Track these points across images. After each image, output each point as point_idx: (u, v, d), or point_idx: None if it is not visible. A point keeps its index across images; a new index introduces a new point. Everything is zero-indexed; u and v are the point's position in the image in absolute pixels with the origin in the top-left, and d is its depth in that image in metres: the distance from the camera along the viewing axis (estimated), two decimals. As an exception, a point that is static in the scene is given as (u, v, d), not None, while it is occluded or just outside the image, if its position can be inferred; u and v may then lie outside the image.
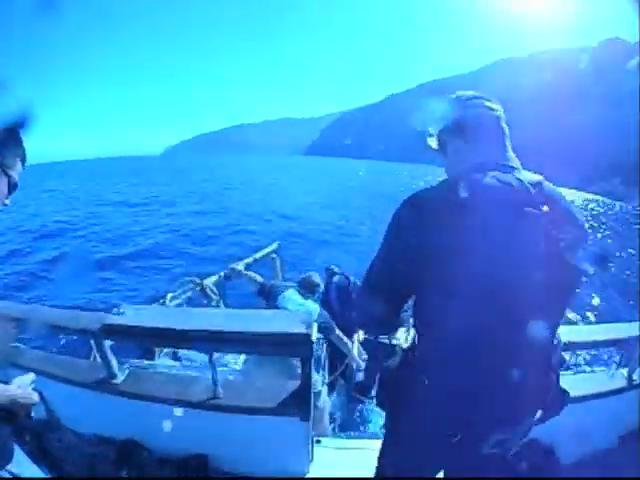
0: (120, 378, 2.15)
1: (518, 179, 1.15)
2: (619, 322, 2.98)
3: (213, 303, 4.41)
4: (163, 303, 4.03)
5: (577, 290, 1.31)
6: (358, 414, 4.08)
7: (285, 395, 2.07)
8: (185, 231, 19.72)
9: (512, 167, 1.21)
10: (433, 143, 1.43)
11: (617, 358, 2.97)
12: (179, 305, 4.19)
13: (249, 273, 3.86)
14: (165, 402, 2.09)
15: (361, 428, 4.11)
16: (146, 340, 2.05)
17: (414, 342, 1.35)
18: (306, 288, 3.42)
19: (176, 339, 1.94)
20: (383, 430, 1.53)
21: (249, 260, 5.40)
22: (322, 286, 3.85)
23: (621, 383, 2.80)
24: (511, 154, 1.27)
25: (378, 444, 1.62)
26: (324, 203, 34.79)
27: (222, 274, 4.79)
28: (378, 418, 3.94)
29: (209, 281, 4.51)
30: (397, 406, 1.36)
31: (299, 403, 2.03)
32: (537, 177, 1.19)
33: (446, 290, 1.11)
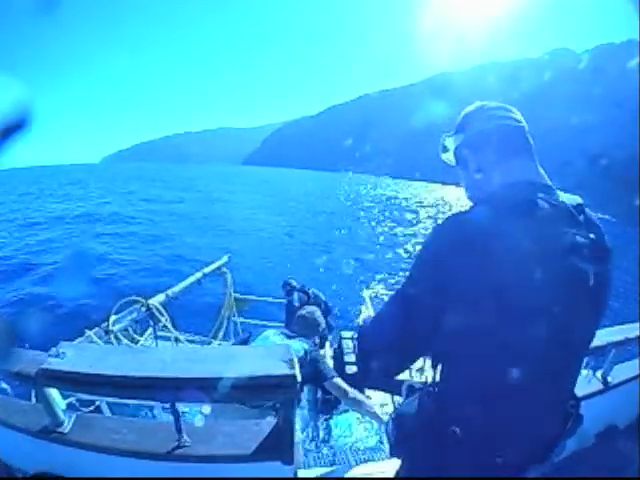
0: (67, 426, 1.87)
1: (562, 202, 1.06)
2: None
3: (161, 324, 4.02)
4: (106, 327, 3.63)
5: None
6: (325, 427, 3.74)
7: (262, 438, 1.83)
8: (129, 244, 19.25)
9: (549, 186, 1.11)
10: (449, 158, 1.33)
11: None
12: (124, 329, 3.80)
13: None
14: (123, 454, 1.81)
15: (332, 443, 3.78)
16: (93, 390, 1.73)
17: (435, 382, 1.17)
18: (301, 328, 3.05)
19: (129, 388, 1.66)
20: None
21: (199, 275, 5.12)
22: (323, 325, 3.39)
23: (598, 386, 2.93)
24: (542, 171, 1.16)
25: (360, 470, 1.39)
26: (267, 213, 35.30)
27: (169, 292, 4.44)
28: (347, 428, 3.83)
29: (155, 300, 4.14)
30: (423, 460, 1.18)
31: (280, 445, 1.80)
32: (577, 199, 1.10)
33: (490, 327, 0.98)
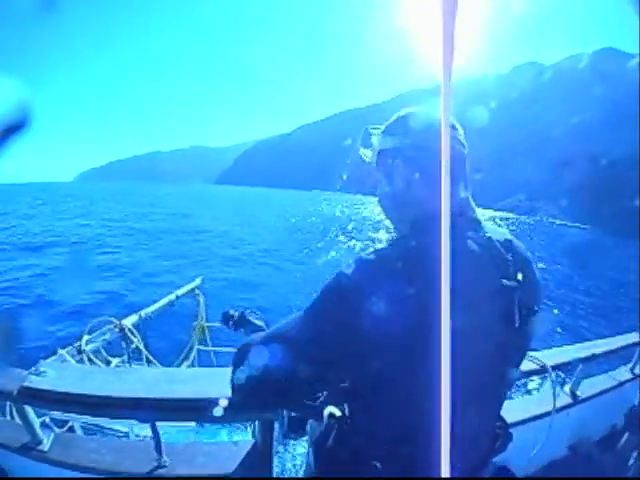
0: (46, 444, 1.87)
1: (489, 238, 0.97)
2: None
3: (133, 346, 4.02)
4: (79, 347, 3.62)
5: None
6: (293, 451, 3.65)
7: (240, 458, 1.86)
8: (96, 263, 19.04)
9: (478, 221, 1.03)
10: (367, 154, 1.20)
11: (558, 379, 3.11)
12: (96, 350, 3.79)
13: None
14: (102, 474, 1.82)
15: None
16: (73, 409, 1.75)
17: (346, 414, 1.13)
18: None
19: (111, 408, 1.68)
20: None
21: (171, 297, 5.09)
22: None
23: (566, 400, 3.05)
24: (471, 201, 1.06)
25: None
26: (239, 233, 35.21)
27: (142, 313, 4.43)
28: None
29: (128, 321, 4.13)
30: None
31: (258, 465, 1.84)
32: (505, 234, 1.04)
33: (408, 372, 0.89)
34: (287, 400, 1.16)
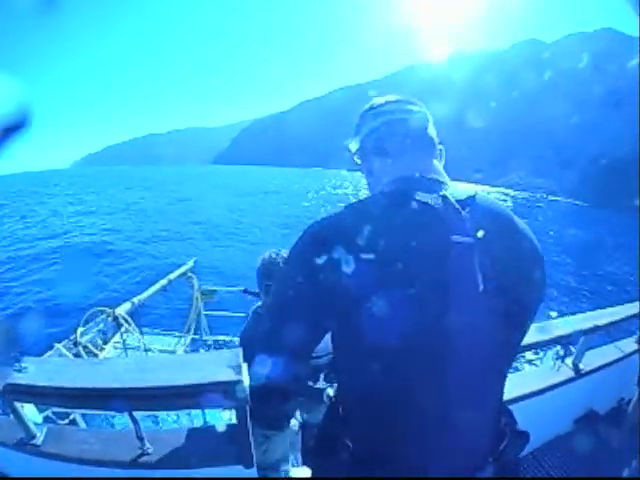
0: (40, 438, 1.95)
1: (444, 197, 0.96)
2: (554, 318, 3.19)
3: (129, 333, 4.08)
4: (74, 339, 3.68)
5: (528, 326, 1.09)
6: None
7: (222, 442, 1.93)
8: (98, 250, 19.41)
9: (438, 181, 1.04)
10: (356, 160, 1.25)
11: (560, 352, 3.11)
12: (92, 339, 3.85)
13: None
14: (90, 463, 1.90)
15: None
16: (54, 402, 1.80)
17: (337, 393, 1.21)
18: None
19: (85, 399, 1.74)
20: None
21: (164, 281, 5.15)
22: None
23: (568, 374, 2.98)
24: (436, 166, 1.10)
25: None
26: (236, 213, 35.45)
27: (134, 300, 4.48)
28: None
29: (121, 309, 4.19)
30: (322, 470, 1.20)
31: (239, 449, 1.88)
32: (469, 191, 1.01)
33: (360, 339, 0.92)
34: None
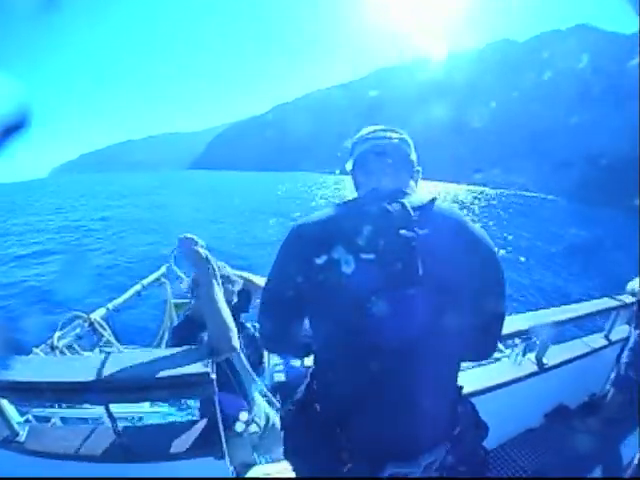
0: (23, 436, 2.07)
1: (402, 204, 1.19)
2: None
3: (104, 339, 4.15)
4: (51, 344, 3.76)
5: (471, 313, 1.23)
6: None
7: (194, 436, 2.05)
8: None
9: (402, 192, 1.28)
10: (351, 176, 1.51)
11: (521, 347, 3.21)
12: (69, 345, 3.92)
13: None
14: (69, 458, 2.00)
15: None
16: (33, 397, 1.91)
17: (313, 375, 1.43)
18: None
19: (63, 393, 1.87)
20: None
21: (138, 287, 5.21)
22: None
23: (531, 368, 3.07)
24: (406, 181, 1.37)
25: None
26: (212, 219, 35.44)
27: (109, 306, 4.55)
28: None
29: (97, 315, 4.26)
30: (294, 432, 1.42)
31: (210, 440, 2.02)
32: (425, 199, 1.24)
33: (325, 316, 1.22)
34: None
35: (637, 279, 3.39)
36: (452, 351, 1.26)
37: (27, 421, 2.85)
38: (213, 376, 1.78)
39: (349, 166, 1.46)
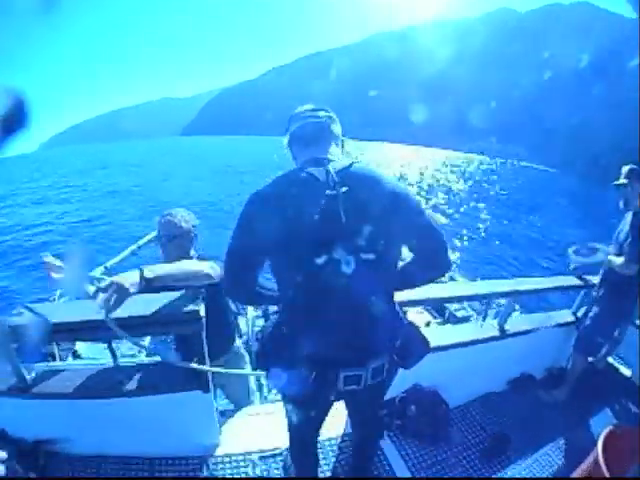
0: (29, 380, 2.29)
1: (326, 169, 1.53)
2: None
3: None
4: (54, 299, 4.07)
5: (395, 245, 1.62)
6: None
7: (186, 373, 2.34)
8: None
9: (327, 160, 1.60)
10: (287, 148, 1.84)
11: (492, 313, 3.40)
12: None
13: None
14: (70, 397, 2.27)
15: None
16: (48, 337, 2.15)
17: (278, 306, 1.81)
18: None
19: (75, 331, 2.11)
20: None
21: (133, 247, 5.49)
22: None
23: (492, 333, 3.29)
24: (333, 150, 1.70)
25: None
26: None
27: (107, 265, 4.84)
28: None
29: (95, 273, 4.55)
30: (268, 356, 1.73)
31: (197, 376, 2.34)
32: (344, 164, 1.57)
33: (281, 257, 1.55)
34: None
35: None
36: (385, 279, 1.62)
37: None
38: (202, 314, 2.10)
39: (286, 139, 1.80)
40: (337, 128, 1.78)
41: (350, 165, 1.56)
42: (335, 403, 1.90)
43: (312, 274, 1.47)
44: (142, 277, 1.89)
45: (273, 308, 1.98)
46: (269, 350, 1.71)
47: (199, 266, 2.20)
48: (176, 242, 2.61)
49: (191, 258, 2.65)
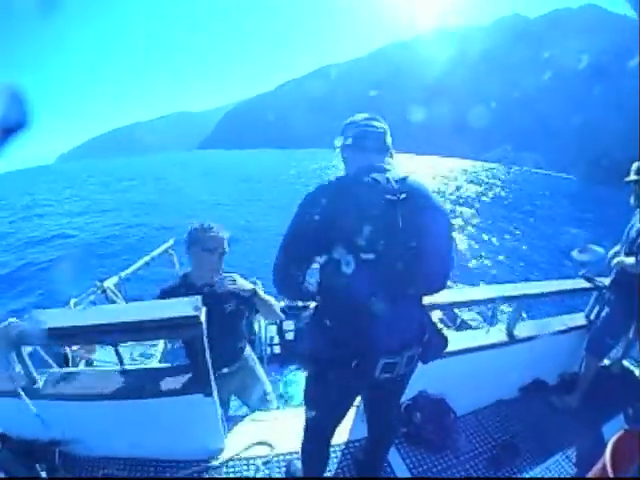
0: (40, 383, 2.37)
1: (386, 177, 1.68)
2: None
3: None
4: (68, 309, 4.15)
5: (442, 256, 1.79)
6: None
7: (188, 376, 2.43)
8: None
9: (384, 168, 1.74)
10: (338, 151, 1.95)
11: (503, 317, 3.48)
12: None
13: None
14: (81, 399, 2.34)
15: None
16: (57, 340, 2.23)
17: (319, 300, 1.89)
18: None
19: (83, 335, 2.20)
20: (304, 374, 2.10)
21: (147, 258, 5.59)
22: None
23: (501, 338, 3.28)
24: (388, 159, 1.85)
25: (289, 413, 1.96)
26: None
27: (122, 275, 4.95)
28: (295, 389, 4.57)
29: (109, 282, 4.68)
30: (311, 347, 1.85)
31: (200, 380, 2.40)
32: (403, 174, 1.72)
33: (334, 252, 1.61)
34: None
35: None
36: (419, 280, 1.74)
37: None
38: (202, 319, 2.15)
39: (338, 143, 1.91)
40: (389, 139, 1.89)
41: (406, 176, 1.71)
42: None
43: (362, 269, 1.57)
44: None
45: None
46: (313, 342, 1.82)
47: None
48: (218, 254, 2.69)
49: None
